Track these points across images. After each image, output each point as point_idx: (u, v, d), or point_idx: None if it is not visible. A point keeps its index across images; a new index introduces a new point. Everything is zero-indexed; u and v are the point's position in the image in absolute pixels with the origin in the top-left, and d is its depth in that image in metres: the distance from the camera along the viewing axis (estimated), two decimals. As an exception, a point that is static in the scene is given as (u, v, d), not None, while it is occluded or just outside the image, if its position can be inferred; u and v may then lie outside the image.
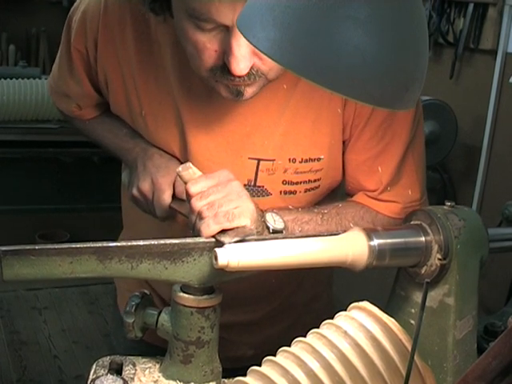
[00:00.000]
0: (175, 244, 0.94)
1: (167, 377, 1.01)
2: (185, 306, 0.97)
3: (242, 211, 0.99)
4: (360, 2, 0.63)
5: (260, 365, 0.82)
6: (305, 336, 0.84)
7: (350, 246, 0.90)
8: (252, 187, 1.15)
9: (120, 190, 1.36)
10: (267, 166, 1.14)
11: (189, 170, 1.02)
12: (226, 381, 1.03)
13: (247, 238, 0.95)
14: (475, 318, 0.99)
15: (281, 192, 1.16)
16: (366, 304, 0.84)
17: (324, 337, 0.81)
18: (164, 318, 1.00)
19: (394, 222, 1.16)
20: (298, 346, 0.82)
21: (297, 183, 1.16)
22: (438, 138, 2.50)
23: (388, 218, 1.18)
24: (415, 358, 0.77)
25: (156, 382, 1.00)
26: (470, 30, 2.56)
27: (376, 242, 0.91)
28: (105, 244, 0.92)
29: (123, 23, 1.13)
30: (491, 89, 2.48)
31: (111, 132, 1.28)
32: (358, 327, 0.82)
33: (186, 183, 1.02)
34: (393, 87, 0.66)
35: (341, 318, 0.84)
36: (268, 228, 1.06)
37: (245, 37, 0.67)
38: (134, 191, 1.16)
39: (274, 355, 0.82)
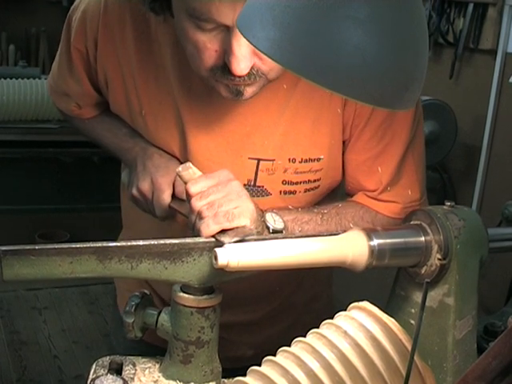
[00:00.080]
0: (175, 244, 0.94)
1: (167, 377, 1.01)
2: (185, 305, 0.97)
3: (241, 211, 0.99)
4: (360, 1, 0.63)
5: (260, 365, 0.82)
6: (305, 336, 0.84)
7: (350, 246, 0.90)
8: (252, 187, 1.15)
9: (120, 189, 1.36)
10: (267, 165, 1.14)
11: (189, 170, 1.02)
12: (225, 381, 1.03)
13: (247, 237, 0.95)
14: (475, 318, 0.99)
15: (280, 192, 1.16)
16: (365, 304, 0.84)
17: (324, 337, 0.81)
18: (164, 317, 1.00)
19: (393, 222, 1.16)
20: (297, 346, 0.82)
21: (297, 183, 1.16)
22: (437, 138, 2.50)
23: (388, 218, 1.18)
24: (415, 357, 0.77)
25: (156, 381, 1.00)
26: (470, 29, 2.56)
27: (376, 241, 0.91)
28: (105, 244, 0.92)
29: (123, 23, 1.13)
30: (491, 89, 2.48)
31: (111, 131, 1.28)
32: (358, 327, 0.82)
33: (185, 183, 1.02)
34: (393, 87, 0.66)
35: (341, 318, 0.84)
36: (268, 228, 1.06)
37: (244, 37, 0.67)
38: (134, 191, 1.16)
39: (274, 355, 0.82)
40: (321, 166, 1.16)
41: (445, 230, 0.94)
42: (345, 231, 0.93)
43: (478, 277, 0.98)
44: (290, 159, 1.14)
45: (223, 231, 0.97)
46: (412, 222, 0.98)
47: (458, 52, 2.59)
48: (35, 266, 0.88)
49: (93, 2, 1.16)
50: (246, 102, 1.07)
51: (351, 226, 1.12)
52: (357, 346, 0.80)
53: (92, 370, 0.99)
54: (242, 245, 0.88)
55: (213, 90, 1.05)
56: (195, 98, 1.13)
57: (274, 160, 1.14)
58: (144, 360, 1.05)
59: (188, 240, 0.95)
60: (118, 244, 0.92)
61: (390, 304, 1.02)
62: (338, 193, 1.26)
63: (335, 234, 0.93)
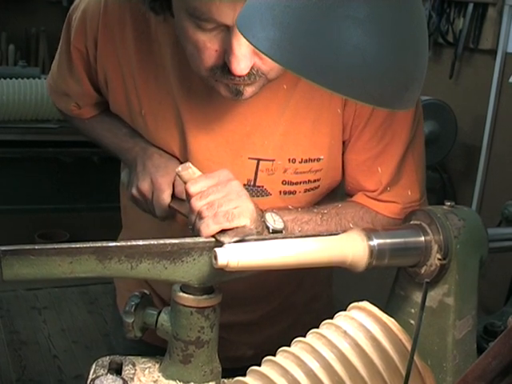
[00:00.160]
0: (175, 244, 0.94)
1: (167, 377, 1.01)
2: (184, 305, 0.97)
3: (241, 211, 0.99)
4: (359, 1, 0.63)
5: (260, 365, 0.82)
6: (304, 336, 0.84)
7: (350, 246, 0.90)
8: (252, 187, 1.15)
9: (119, 189, 1.36)
10: (267, 165, 1.14)
11: (188, 170, 1.02)
12: (225, 381, 1.03)
13: (247, 237, 0.95)
14: (475, 318, 0.99)
15: (280, 192, 1.16)
16: (365, 304, 0.84)
17: (324, 337, 0.81)
18: (163, 317, 1.00)
19: (393, 223, 1.16)
20: (297, 346, 0.82)
21: (296, 183, 1.16)
22: (437, 138, 2.50)
23: (387, 219, 1.18)
24: (415, 357, 0.77)
25: (156, 381, 1.00)
26: (470, 29, 2.56)
27: (376, 241, 0.91)
28: (104, 244, 0.92)
29: (123, 22, 1.13)
30: (491, 89, 2.48)
31: (110, 131, 1.28)
32: (358, 327, 0.82)
33: (185, 183, 1.02)
34: (392, 87, 0.66)
35: (340, 318, 0.84)
36: (268, 228, 1.06)
37: (244, 37, 0.67)
38: (134, 191, 1.16)
39: (274, 355, 0.82)
40: (321, 167, 1.16)
41: (445, 229, 0.94)
42: (344, 231, 0.93)
43: (477, 277, 0.98)
44: (289, 159, 1.14)
45: (223, 231, 0.97)
46: (412, 222, 0.98)
47: (458, 52, 2.59)
48: (35, 266, 0.88)
49: (93, 1, 1.16)
50: (245, 102, 1.07)
51: (351, 226, 1.12)
52: (356, 346, 0.80)
53: (92, 370, 0.99)
54: (241, 245, 0.88)
55: (213, 90, 1.05)
56: (195, 98, 1.13)
57: (273, 160, 1.14)
58: (144, 360, 1.05)
59: (188, 240, 0.95)
60: (118, 244, 0.92)
61: (389, 304, 1.02)
62: (337, 193, 1.26)
63: (335, 234, 0.93)
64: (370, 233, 0.92)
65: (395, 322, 0.82)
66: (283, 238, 0.95)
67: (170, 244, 0.94)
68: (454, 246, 0.93)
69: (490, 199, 2.53)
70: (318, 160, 1.15)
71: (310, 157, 1.14)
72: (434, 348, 0.96)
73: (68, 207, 3.42)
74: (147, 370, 1.03)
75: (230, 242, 0.92)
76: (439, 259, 0.94)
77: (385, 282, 1.09)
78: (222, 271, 0.86)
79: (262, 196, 1.16)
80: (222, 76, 0.99)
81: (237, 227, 0.98)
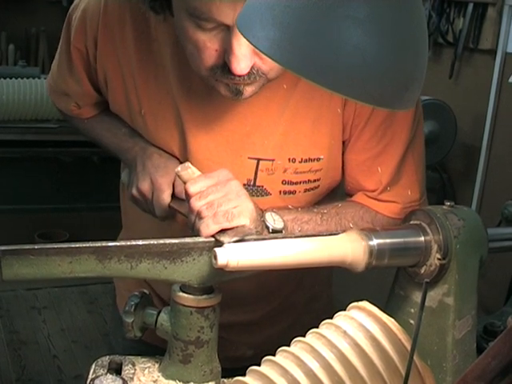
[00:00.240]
0: (174, 244, 0.94)
1: (166, 376, 1.01)
2: (184, 305, 0.97)
3: (241, 211, 0.99)
4: (359, 1, 0.63)
5: (259, 365, 0.82)
6: (304, 336, 0.84)
7: (350, 246, 0.90)
8: (251, 187, 1.15)
9: (119, 189, 1.36)
10: (267, 165, 1.14)
11: (188, 170, 1.02)
12: (225, 381, 1.03)
13: (246, 237, 0.95)
14: (474, 318, 0.99)
15: (280, 192, 1.16)
16: (365, 304, 0.84)
17: (323, 336, 0.81)
18: (163, 317, 1.00)
19: (393, 222, 1.16)
20: (297, 346, 0.82)
21: (296, 183, 1.16)
22: (437, 138, 2.50)
23: (387, 218, 1.18)
24: (414, 357, 0.77)
25: (155, 381, 1.00)
26: (470, 29, 2.56)
27: (375, 241, 0.91)
28: (104, 244, 0.92)
29: (123, 22, 1.13)
30: (490, 88, 2.48)
31: (110, 131, 1.28)
32: (358, 327, 0.82)
33: (185, 183, 1.02)
34: (392, 87, 0.66)
35: (340, 318, 0.84)
36: (267, 228, 1.06)
37: (244, 36, 0.67)
38: (134, 191, 1.16)
39: (274, 355, 0.82)
40: (320, 166, 1.16)
41: (444, 229, 0.94)
42: (344, 231, 0.93)
43: (477, 277, 0.98)
44: (289, 159, 1.14)
45: (223, 231, 0.97)
46: (411, 222, 0.98)
47: (458, 52, 2.59)
48: (34, 266, 0.88)
49: (93, 1, 1.16)
50: (245, 102, 1.07)
51: (351, 225, 1.12)
52: (356, 346, 0.80)
53: (91, 370, 0.99)
54: (241, 244, 0.88)
55: (212, 90, 1.05)
56: (195, 98, 1.13)
57: (273, 160, 1.14)
58: (143, 360, 1.05)
59: (187, 240, 0.95)
60: (118, 244, 0.92)
61: (389, 304, 1.02)
62: (337, 193, 1.26)
63: (335, 234, 0.93)
64: (369, 233, 0.92)
65: (395, 322, 0.82)
66: (283, 237, 0.95)
67: (169, 244, 0.94)
68: (453, 245, 0.93)
69: (489, 199, 2.53)
70: (318, 160, 1.15)
71: (310, 156, 1.14)
72: (433, 348, 0.96)
73: (68, 207, 3.42)
74: (147, 369, 1.03)
75: (229, 242, 0.92)
76: (439, 259, 0.94)
77: (384, 282, 1.09)
78: (222, 271, 0.86)
79: (262, 196, 1.15)
80: (222, 76, 0.99)
81: (236, 227, 0.98)
